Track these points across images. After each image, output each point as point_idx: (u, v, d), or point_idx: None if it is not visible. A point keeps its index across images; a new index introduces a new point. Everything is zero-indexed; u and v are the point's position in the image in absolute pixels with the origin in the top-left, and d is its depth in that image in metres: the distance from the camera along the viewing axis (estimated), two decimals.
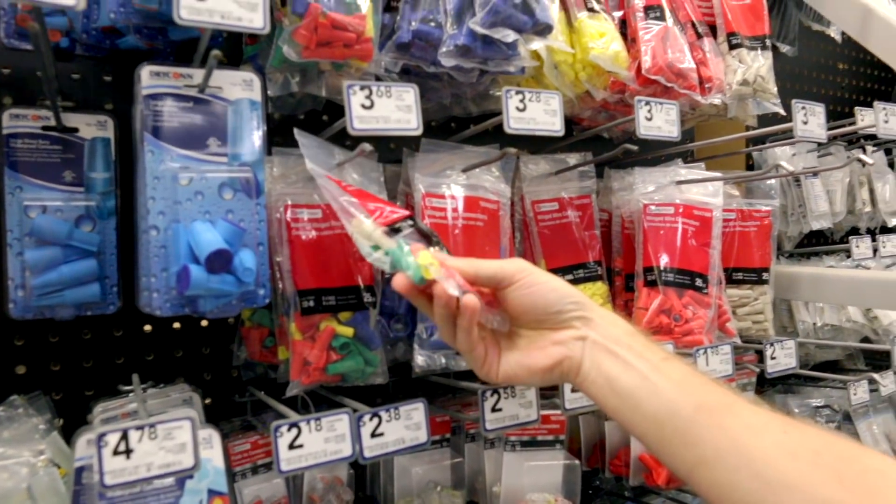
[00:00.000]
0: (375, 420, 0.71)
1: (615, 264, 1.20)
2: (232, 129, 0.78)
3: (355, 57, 0.83)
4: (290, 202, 0.85)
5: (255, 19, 0.63)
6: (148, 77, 0.73)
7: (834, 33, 1.49)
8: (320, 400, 0.94)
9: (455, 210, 0.94)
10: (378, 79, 0.90)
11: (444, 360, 0.90)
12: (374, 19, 0.84)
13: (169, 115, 0.75)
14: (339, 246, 0.87)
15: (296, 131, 0.81)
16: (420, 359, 0.88)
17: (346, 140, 0.91)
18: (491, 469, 0.99)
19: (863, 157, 1.07)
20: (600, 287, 1.10)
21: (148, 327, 0.99)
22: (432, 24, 0.88)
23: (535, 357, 0.67)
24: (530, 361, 0.68)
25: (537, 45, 0.86)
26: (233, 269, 0.72)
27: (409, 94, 0.71)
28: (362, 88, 0.69)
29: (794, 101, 0.96)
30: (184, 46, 0.89)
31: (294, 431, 0.66)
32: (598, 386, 0.64)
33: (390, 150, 1.16)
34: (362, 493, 1.03)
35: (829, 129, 1.05)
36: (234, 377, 1.04)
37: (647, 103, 0.90)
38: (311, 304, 0.83)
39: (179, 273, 0.71)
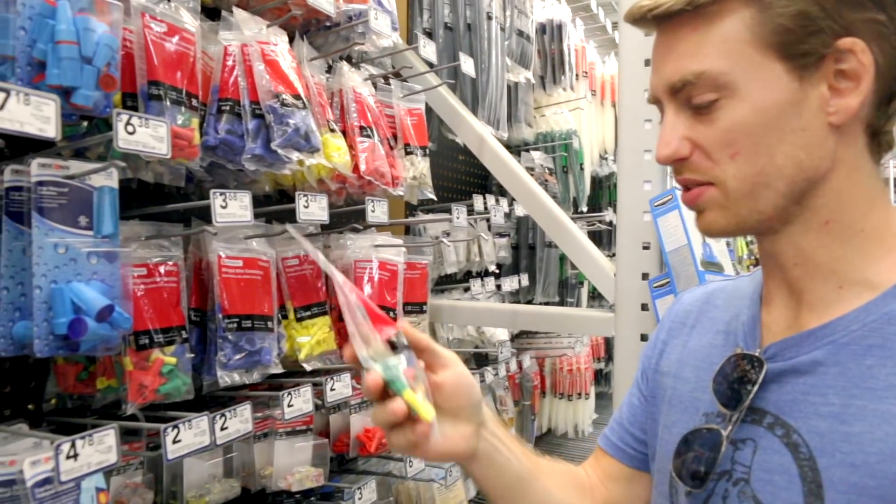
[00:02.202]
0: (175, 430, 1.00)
1: (332, 302, 1.65)
2: (96, 209, 1.01)
3: (184, 157, 1.13)
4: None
5: (48, 129, 0.86)
6: (37, 168, 0.93)
7: (458, 140, 2.20)
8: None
9: (241, 267, 1.28)
10: (189, 170, 1.21)
11: (237, 377, 1.24)
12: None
13: (49, 197, 0.95)
14: (162, 296, 1.14)
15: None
16: (224, 377, 1.20)
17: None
18: (260, 457, 1.34)
19: (481, 234, 1.75)
20: (327, 319, 1.54)
21: None
22: (235, 135, 1.22)
23: (454, 444, 0.76)
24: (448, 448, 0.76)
25: (311, 161, 1.28)
26: (112, 320, 0.96)
27: (246, 197, 1.07)
28: (221, 194, 1.02)
29: (453, 204, 1.56)
30: None
31: (175, 431, 0.95)
32: (484, 469, 0.81)
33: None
34: (159, 493, 1.27)
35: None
36: (30, 411, 1.17)
37: (372, 201, 1.39)
38: (147, 341, 1.09)
39: (73, 323, 0.92)
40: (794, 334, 0.71)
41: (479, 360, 2.33)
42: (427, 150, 1.85)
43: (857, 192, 0.69)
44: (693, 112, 0.69)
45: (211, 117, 1.22)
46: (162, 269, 1.17)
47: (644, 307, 1.63)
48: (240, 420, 1.06)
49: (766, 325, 0.77)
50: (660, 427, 0.84)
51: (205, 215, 1.15)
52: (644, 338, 1.63)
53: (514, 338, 2.77)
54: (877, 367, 0.64)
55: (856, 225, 0.69)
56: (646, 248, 1.64)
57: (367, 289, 1.61)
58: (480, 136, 1.91)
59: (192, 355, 1.24)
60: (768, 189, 0.67)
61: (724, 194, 0.69)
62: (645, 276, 1.64)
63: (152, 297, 1.12)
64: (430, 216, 1.83)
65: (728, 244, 1.73)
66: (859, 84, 0.65)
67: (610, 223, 3.36)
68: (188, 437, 0.97)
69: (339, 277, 0.72)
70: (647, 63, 1.56)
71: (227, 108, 1.23)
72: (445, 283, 2.24)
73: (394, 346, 0.69)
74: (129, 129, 0.87)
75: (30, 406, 1.17)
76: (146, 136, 0.89)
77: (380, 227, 1.80)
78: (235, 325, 1.22)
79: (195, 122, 1.13)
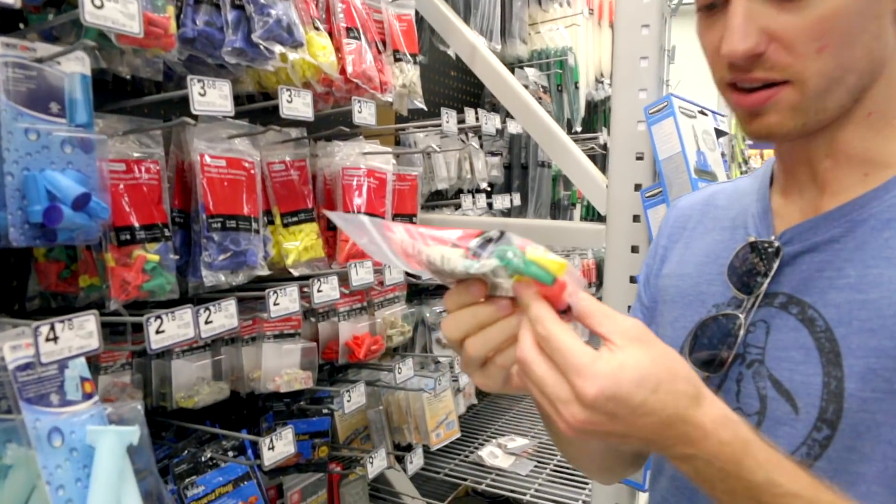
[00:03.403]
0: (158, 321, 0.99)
1: (319, 209, 1.63)
2: (68, 96, 0.96)
3: (160, 47, 1.08)
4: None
5: None
6: (1, 48, 0.88)
7: (450, 53, 2.13)
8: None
9: (224, 167, 1.25)
10: (168, 66, 1.16)
11: (222, 278, 1.22)
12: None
13: (17, 80, 0.91)
14: (142, 192, 1.11)
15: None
16: (209, 277, 1.19)
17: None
18: (248, 360, 1.34)
19: (471, 144, 1.71)
20: (315, 226, 1.52)
21: None
22: (214, 27, 1.17)
23: None
24: None
25: (294, 56, 1.22)
26: (89, 209, 0.94)
27: (226, 87, 1.02)
28: (199, 81, 0.98)
29: (443, 109, 1.52)
30: None
31: (158, 321, 0.94)
32: None
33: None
34: (148, 395, 1.27)
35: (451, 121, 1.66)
36: (14, 311, 1.16)
37: (359, 101, 1.35)
38: (128, 237, 1.07)
39: (48, 211, 0.90)
40: (811, 217, 0.70)
41: None
42: (417, 59, 1.79)
43: None
44: None
45: (188, 8, 1.16)
46: (142, 166, 1.13)
47: (636, 219, 1.62)
48: (225, 315, 1.05)
49: (778, 214, 0.76)
50: (660, 327, 0.83)
51: (186, 115, 1.11)
52: (635, 249, 1.62)
53: None
54: (894, 239, 0.64)
55: (891, 112, 0.67)
56: (639, 158, 1.61)
57: (356, 196, 1.58)
58: (472, 45, 1.84)
59: (177, 257, 1.23)
60: (840, 85, 0.63)
61: (801, 93, 0.63)
62: (637, 187, 1.62)
63: (133, 193, 1.09)
64: (420, 123, 1.78)
65: (723, 154, 1.70)
66: None
67: (604, 146, 3.31)
68: (171, 328, 0.96)
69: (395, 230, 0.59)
70: None
71: None
72: (436, 199, 2.21)
73: (491, 240, 0.55)
74: (97, 2, 0.82)
75: (14, 307, 1.16)
76: (115, 13, 0.84)
77: (368, 137, 1.76)
78: (219, 224, 1.20)
79: (170, 9, 1.07)
